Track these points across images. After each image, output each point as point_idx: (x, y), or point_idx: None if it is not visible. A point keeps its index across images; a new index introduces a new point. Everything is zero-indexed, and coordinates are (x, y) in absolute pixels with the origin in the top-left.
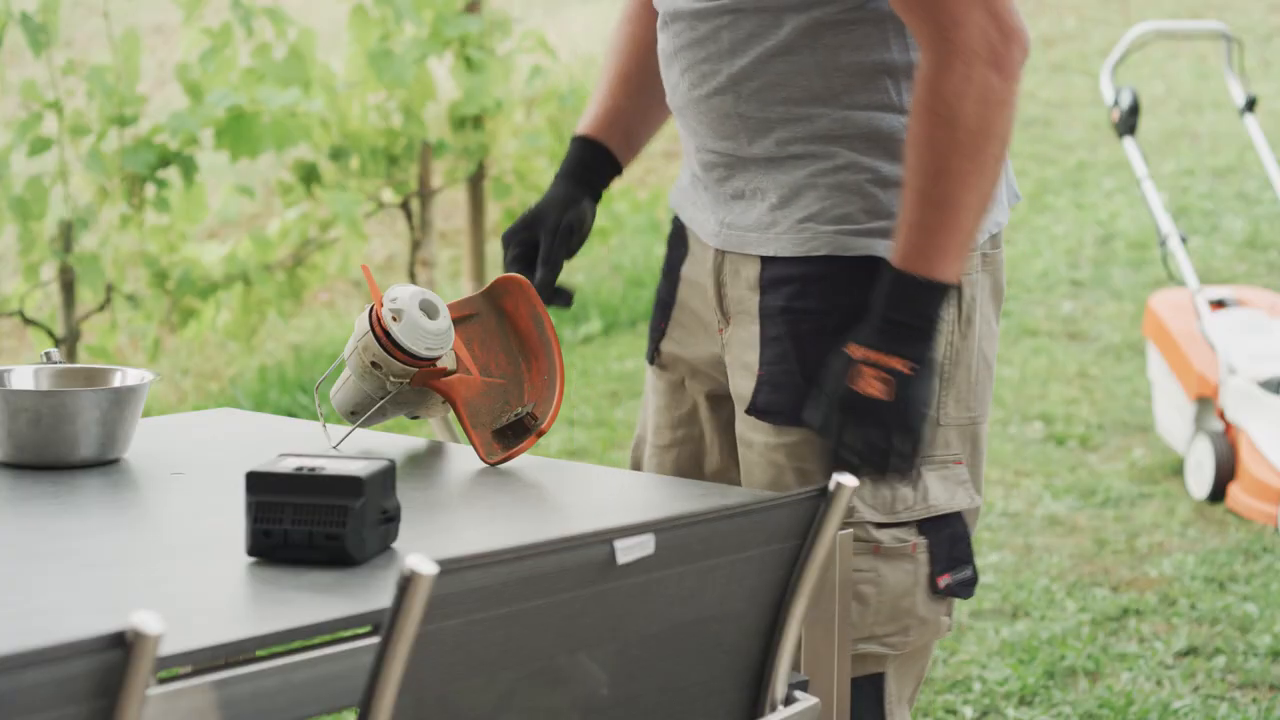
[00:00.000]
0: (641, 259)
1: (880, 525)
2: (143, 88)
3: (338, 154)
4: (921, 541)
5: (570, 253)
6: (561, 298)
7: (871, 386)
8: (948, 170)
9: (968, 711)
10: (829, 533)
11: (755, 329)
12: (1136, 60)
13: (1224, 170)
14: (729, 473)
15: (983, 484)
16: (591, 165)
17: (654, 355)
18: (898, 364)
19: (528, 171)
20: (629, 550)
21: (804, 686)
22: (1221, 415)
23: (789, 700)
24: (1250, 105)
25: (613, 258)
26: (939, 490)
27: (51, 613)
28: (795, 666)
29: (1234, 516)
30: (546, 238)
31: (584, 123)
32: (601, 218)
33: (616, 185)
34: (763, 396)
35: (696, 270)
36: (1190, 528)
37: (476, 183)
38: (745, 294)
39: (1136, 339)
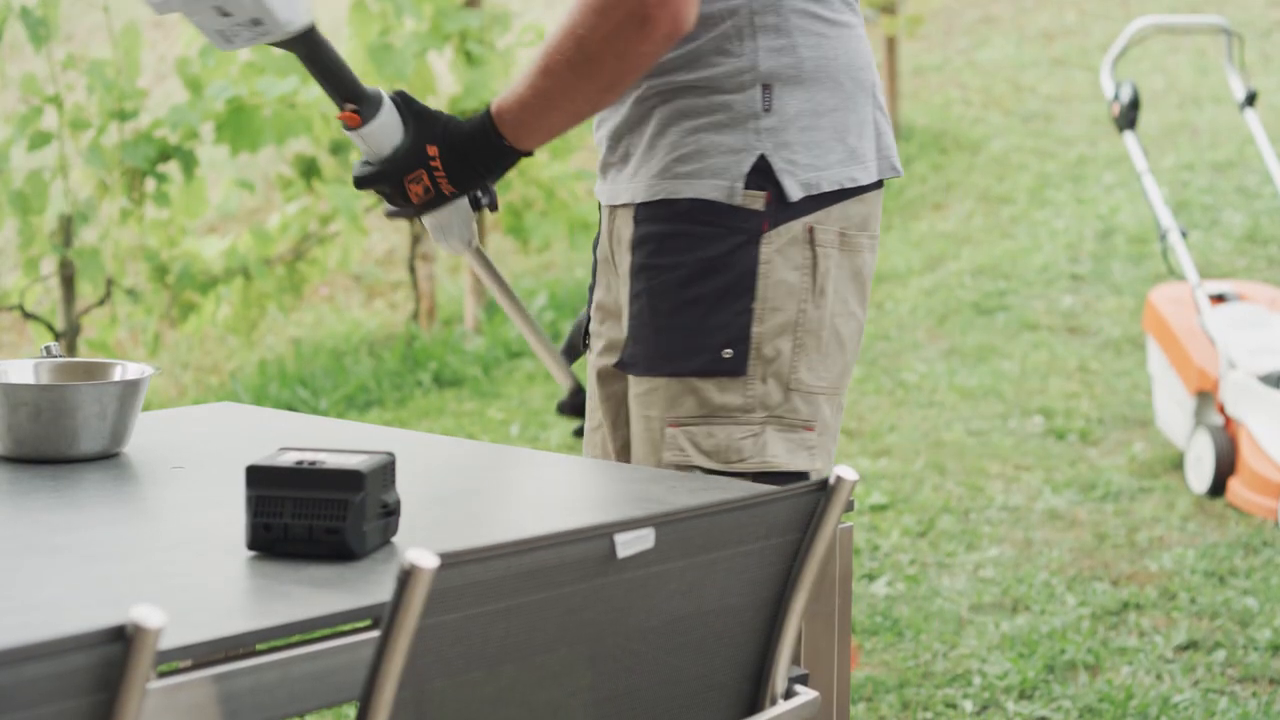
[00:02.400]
0: None
1: (713, 473)
2: (143, 82)
3: (338, 148)
4: None
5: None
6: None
7: (415, 192)
8: (558, 74)
9: (967, 705)
10: (829, 526)
11: (626, 288)
12: (1137, 55)
13: (1224, 165)
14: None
15: (833, 456)
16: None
17: (585, 337)
18: (446, 189)
19: (527, 165)
20: (629, 544)
21: (804, 680)
22: (1221, 410)
23: (789, 694)
24: (1250, 100)
25: None
26: (779, 449)
27: (51, 606)
28: (795, 660)
29: (1234, 511)
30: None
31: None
32: None
33: None
34: (627, 350)
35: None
36: (1190, 522)
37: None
38: (623, 254)
39: (1137, 333)
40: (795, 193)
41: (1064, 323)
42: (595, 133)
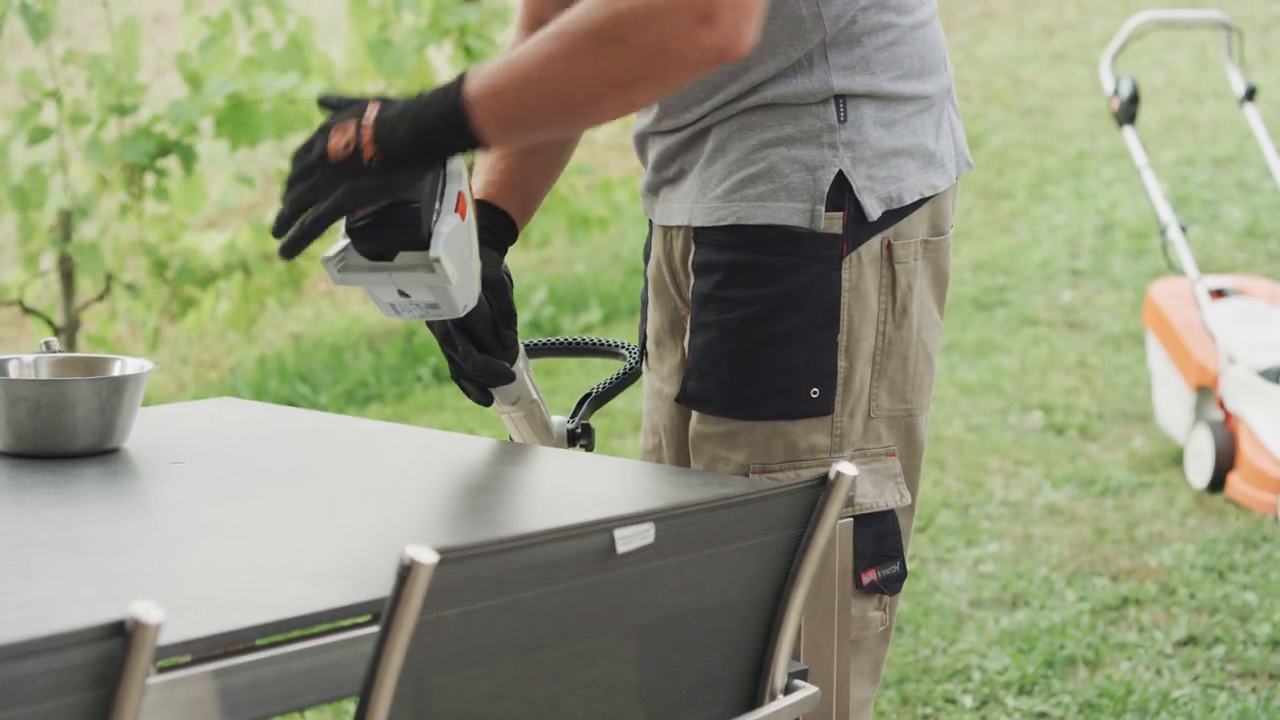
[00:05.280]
0: (640, 248)
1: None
2: (142, 77)
3: None
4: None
5: (510, 309)
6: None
7: (334, 146)
8: (554, 66)
9: (967, 701)
10: (829, 522)
11: (689, 315)
12: (1136, 49)
13: (1224, 160)
14: None
15: (919, 478)
16: (494, 230)
17: (643, 355)
18: (367, 152)
19: None
20: (628, 539)
21: (804, 675)
22: (1221, 404)
23: (789, 689)
24: (1250, 95)
25: (612, 247)
26: (865, 485)
27: (50, 602)
28: (795, 655)
29: (1233, 506)
30: (492, 292)
31: (479, 186)
32: (601, 207)
33: (616, 173)
34: (693, 384)
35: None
36: (1190, 517)
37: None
38: (683, 279)
39: (1136, 328)
40: (875, 210)
41: (1064, 318)
42: (641, 154)
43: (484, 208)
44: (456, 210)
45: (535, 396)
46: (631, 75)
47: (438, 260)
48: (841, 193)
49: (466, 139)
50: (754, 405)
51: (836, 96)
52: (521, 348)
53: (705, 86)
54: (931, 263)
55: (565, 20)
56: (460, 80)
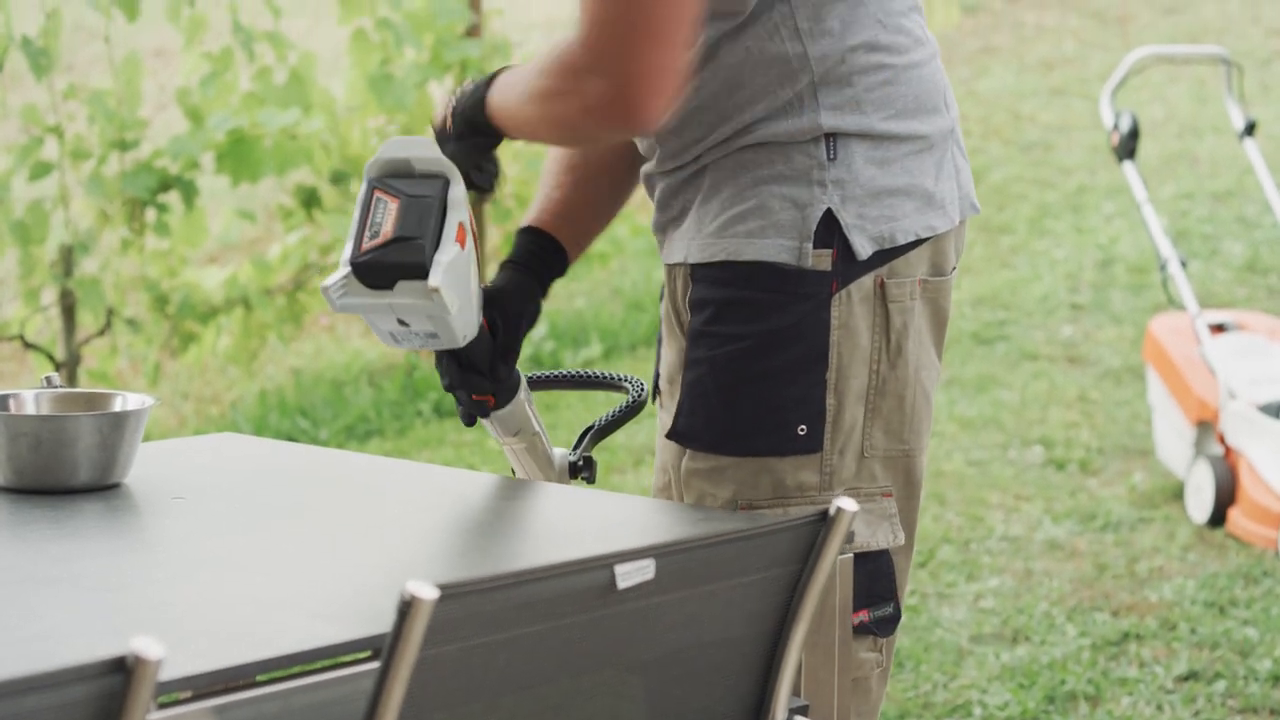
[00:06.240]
0: (641, 283)
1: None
2: (143, 112)
3: (338, 178)
4: None
5: (515, 344)
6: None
7: (439, 113)
8: (521, 101)
9: None
10: (829, 557)
11: (684, 350)
12: (1136, 84)
13: (1223, 194)
14: None
15: (916, 518)
16: (541, 256)
17: (655, 392)
18: (449, 124)
19: (528, 196)
20: (629, 575)
21: (804, 711)
22: (1221, 439)
23: None
24: (1250, 129)
25: (613, 281)
26: (860, 527)
27: (52, 637)
28: (795, 691)
29: (1234, 541)
30: (503, 323)
31: (532, 214)
32: (602, 242)
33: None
34: (683, 420)
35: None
36: (1190, 552)
37: (477, 206)
38: (683, 315)
39: (1136, 363)
40: (865, 249)
41: (1064, 352)
42: (649, 194)
43: (534, 235)
44: (456, 240)
45: (537, 428)
46: (563, 129)
47: (436, 290)
48: (831, 230)
49: (492, 130)
50: (741, 441)
51: (827, 135)
52: (524, 380)
53: (702, 127)
54: (931, 303)
55: (538, 57)
56: (493, 76)
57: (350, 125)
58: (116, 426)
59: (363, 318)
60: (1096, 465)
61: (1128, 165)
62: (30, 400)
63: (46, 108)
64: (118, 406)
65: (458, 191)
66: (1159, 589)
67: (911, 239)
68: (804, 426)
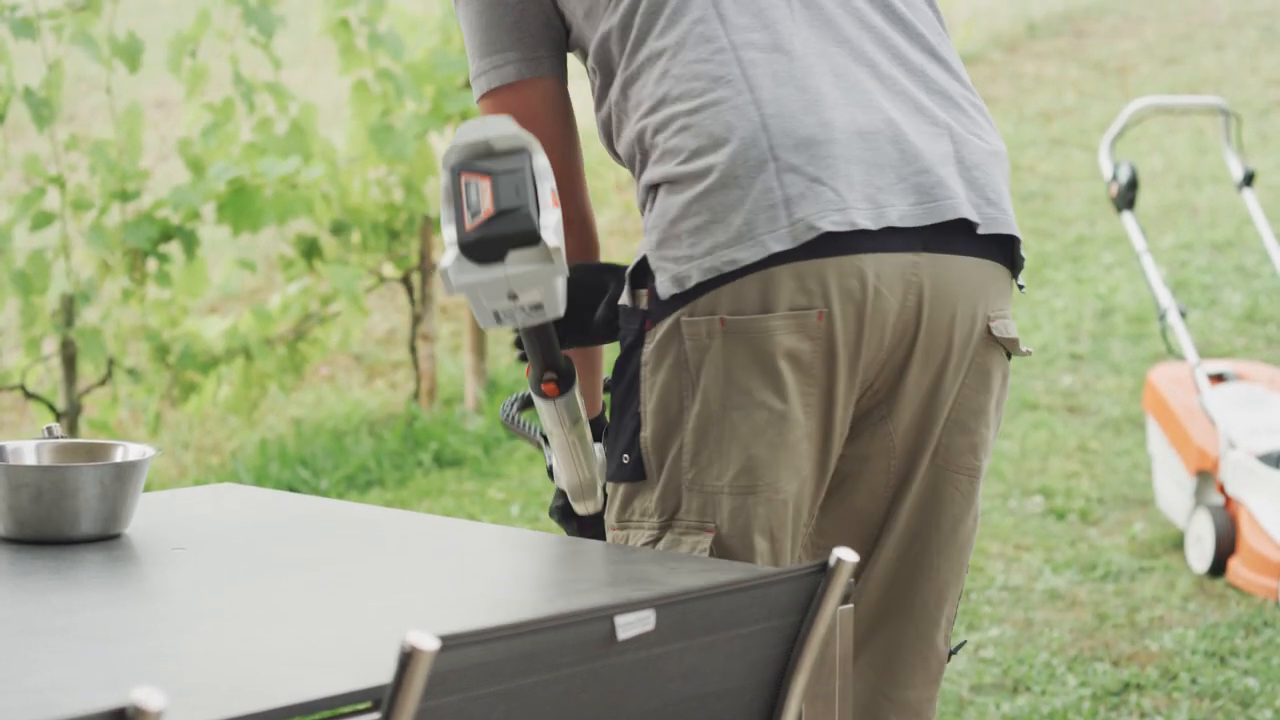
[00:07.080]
0: None
1: None
2: (145, 162)
3: (339, 228)
4: None
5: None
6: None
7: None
8: None
9: None
10: (829, 608)
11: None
12: (1135, 135)
13: (1223, 244)
14: None
15: (784, 561)
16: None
17: None
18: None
19: None
20: (629, 626)
21: None
22: (1221, 489)
23: None
24: (1248, 179)
25: None
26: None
27: (53, 688)
28: None
29: (1235, 590)
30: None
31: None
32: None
33: (620, 257)
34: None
35: None
36: (1191, 602)
37: None
38: None
39: (1136, 413)
40: (666, 289)
41: (1063, 402)
42: None
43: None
44: (553, 204)
45: (584, 416)
46: None
47: (557, 248)
48: (646, 272)
49: None
50: (608, 465)
51: (648, 189)
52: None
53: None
54: (742, 342)
55: None
56: None
57: (350, 175)
58: (118, 477)
59: (469, 300)
60: (1097, 515)
61: (1127, 215)
62: (31, 451)
63: (48, 158)
64: (119, 457)
65: (541, 161)
66: (1159, 639)
67: (705, 277)
68: (627, 455)
